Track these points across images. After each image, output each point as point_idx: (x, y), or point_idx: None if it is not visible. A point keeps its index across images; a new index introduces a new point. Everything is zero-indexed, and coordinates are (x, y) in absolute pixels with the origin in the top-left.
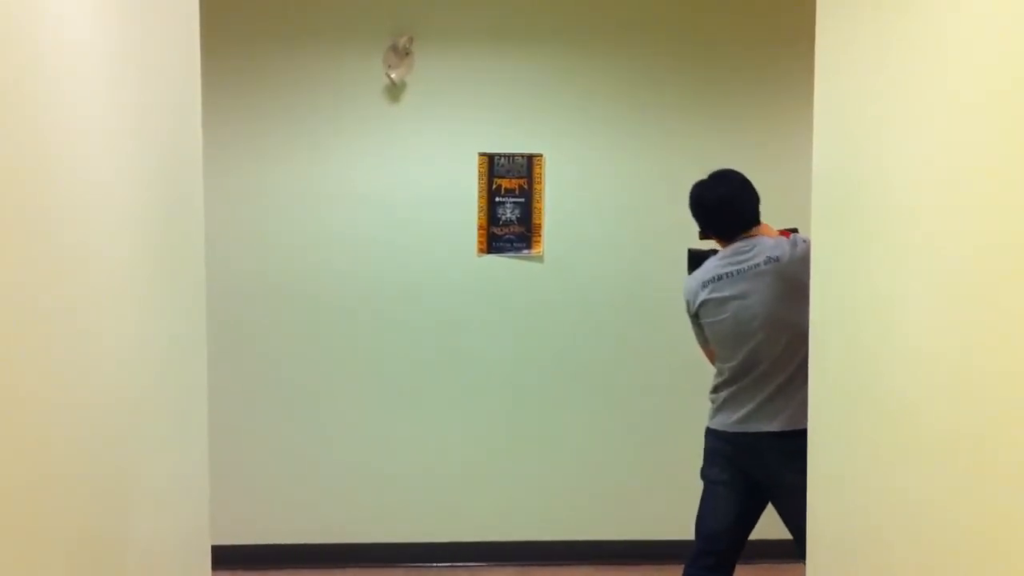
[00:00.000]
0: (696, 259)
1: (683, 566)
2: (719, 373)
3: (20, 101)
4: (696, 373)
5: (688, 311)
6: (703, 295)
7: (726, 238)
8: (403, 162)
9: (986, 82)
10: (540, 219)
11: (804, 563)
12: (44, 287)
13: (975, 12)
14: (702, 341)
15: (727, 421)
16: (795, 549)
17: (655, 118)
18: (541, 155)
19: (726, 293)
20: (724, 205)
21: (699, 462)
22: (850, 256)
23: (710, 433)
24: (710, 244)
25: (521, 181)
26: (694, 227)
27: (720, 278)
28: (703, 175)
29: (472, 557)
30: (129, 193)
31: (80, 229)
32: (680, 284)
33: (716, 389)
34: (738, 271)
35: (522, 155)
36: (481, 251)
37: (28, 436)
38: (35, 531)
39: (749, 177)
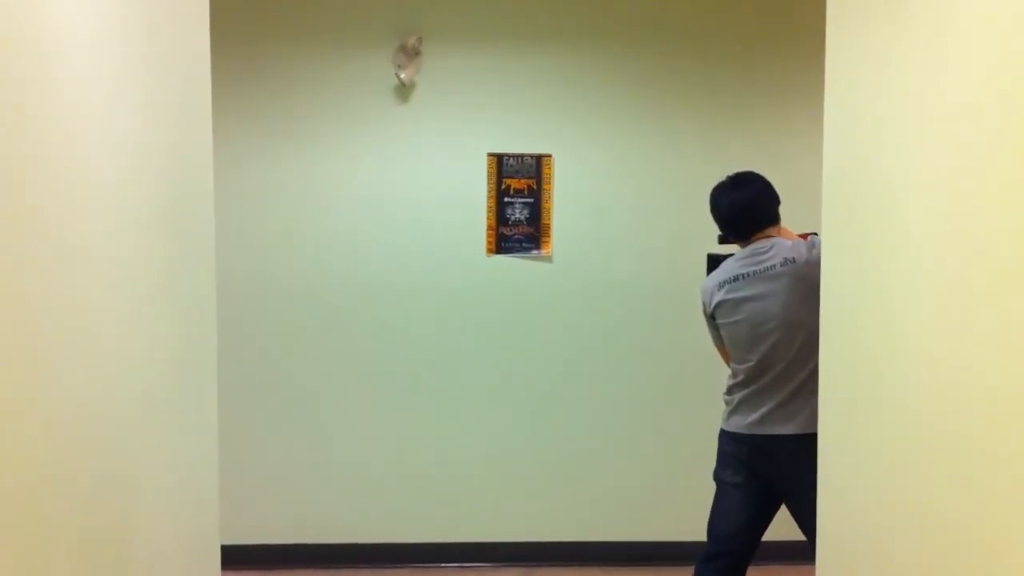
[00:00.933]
0: (715, 263)
1: (693, 567)
2: (734, 375)
3: (23, 102)
4: (705, 374)
5: (704, 312)
6: (719, 296)
7: (742, 240)
8: (412, 162)
9: (993, 83)
10: (549, 219)
11: None
12: (47, 287)
13: (982, 13)
14: (718, 342)
15: (742, 423)
16: (808, 551)
17: (664, 118)
18: (550, 155)
19: (742, 294)
20: (741, 211)
21: (708, 463)
22: (859, 257)
23: (724, 435)
24: (729, 248)
25: (530, 181)
26: (704, 227)
27: (737, 279)
28: (712, 175)
29: (478, 558)
30: (134, 193)
31: (83, 229)
32: (691, 283)
33: (731, 391)
34: (755, 272)
35: (531, 155)
36: (490, 251)
37: (32, 436)
38: (40, 531)
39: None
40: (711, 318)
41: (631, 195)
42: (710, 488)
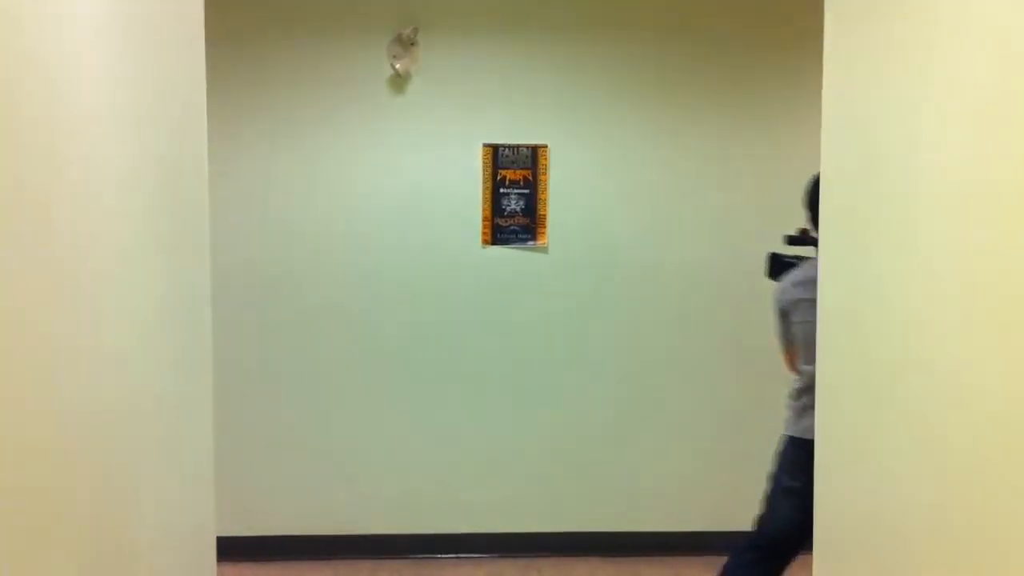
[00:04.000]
0: (778, 264)
1: (695, 557)
2: (802, 376)
3: (21, 94)
4: (703, 362)
5: (779, 311)
6: (799, 294)
7: None
8: (407, 153)
9: (996, 80)
10: (545, 210)
11: None
12: (44, 282)
13: (983, 11)
14: (787, 344)
15: (811, 426)
16: None
17: (661, 109)
18: (546, 146)
19: None
20: None
21: (710, 454)
22: (859, 257)
23: (790, 440)
24: (795, 250)
25: (526, 172)
26: (701, 216)
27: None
28: (710, 166)
29: (479, 548)
30: (132, 186)
31: (81, 223)
32: (688, 272)
33: (798, 395)
34: None
35: (527, 146)
36: (486, 242)
37: (31, 433)
38: (42, 529)
39: (755, 172)
40: (785, 315)
41: (627, 185)
42: (709, 477)
